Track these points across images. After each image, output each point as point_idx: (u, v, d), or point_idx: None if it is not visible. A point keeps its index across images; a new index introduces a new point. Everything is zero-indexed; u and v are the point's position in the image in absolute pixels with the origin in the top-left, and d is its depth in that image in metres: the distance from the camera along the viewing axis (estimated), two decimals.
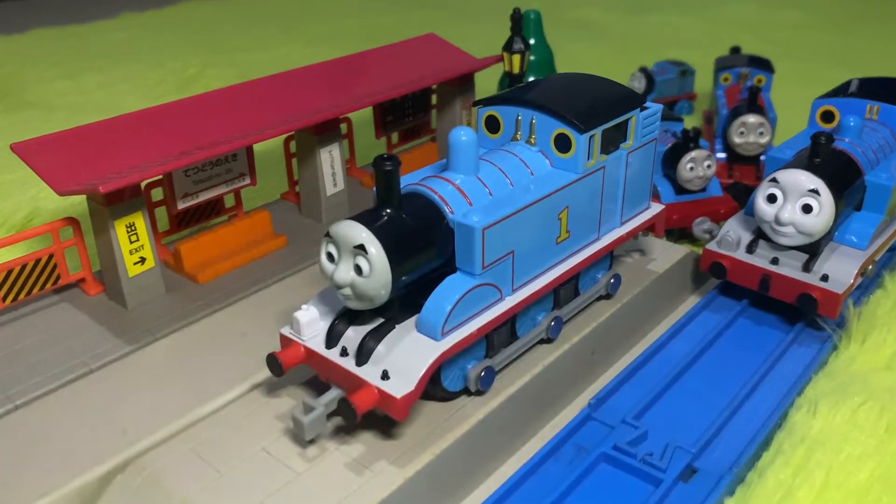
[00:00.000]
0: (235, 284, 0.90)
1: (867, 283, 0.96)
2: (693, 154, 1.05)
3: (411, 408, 0.64)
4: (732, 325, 0.90)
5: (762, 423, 0.75)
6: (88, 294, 0.87)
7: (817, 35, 2.30)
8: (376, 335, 0.66)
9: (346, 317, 0.68)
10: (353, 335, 0.67)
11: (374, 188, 0.65)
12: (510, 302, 0.70)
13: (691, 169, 1.06)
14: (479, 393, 0.71)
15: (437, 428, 0.67)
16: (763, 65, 1.41)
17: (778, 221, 0.85)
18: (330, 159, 1.02)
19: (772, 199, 0.85)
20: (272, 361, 0.67)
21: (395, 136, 1.19)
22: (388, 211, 0.65)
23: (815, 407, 0.77)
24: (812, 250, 0.87)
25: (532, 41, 1.28)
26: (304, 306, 0.69)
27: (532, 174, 0.73)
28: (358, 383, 0.64)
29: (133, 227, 0.83)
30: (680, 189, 1.09)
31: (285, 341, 0.69)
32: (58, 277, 0.83)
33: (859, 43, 2.20)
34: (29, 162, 0.77)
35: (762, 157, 1.21)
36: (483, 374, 0.70)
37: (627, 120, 0.78)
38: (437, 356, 0.64)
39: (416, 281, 0.66)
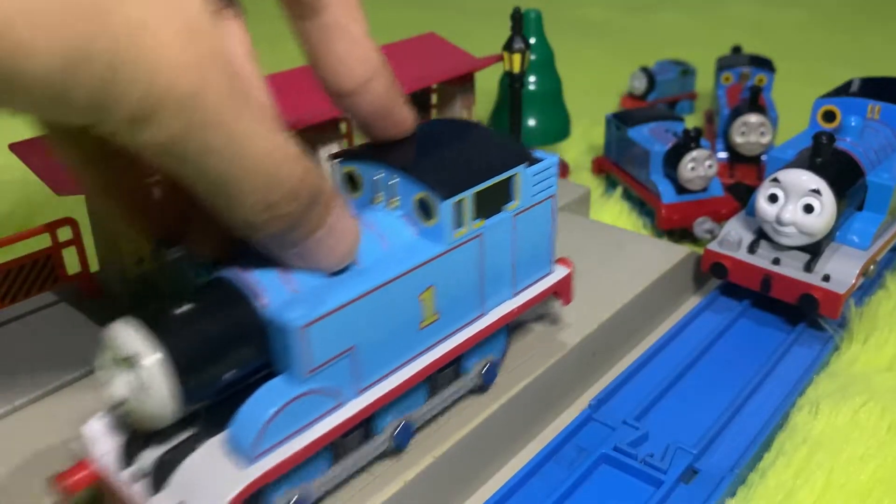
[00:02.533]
0: None
1: (869, 284, 0.96)
2: (694, 154, 1.05)
3: None
4: (734, 326, 0.90)
5: (763, 423, 0.74)
6: (87, 294, 0.86)
7: (819, 35, 2.29)
8: (175, 455, 0.54)
9: (141, 434, 0.55)
10: (150, 454, 0.55)
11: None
12: (355, 407, 0.58)
13: (692, 169, 1.05)
14: None
15: (438, 430, 0.67)
16: (764, 64, 1.41)
17: (779, 221, 0.84)
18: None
19: (773, 199, 0.85)
20: (54, 486, 0.56)
21: None
22: (181, 310, 0.53)
23: (816, 408, 0.76)
24: (813, 250, 0.86)
25: (532, 40, 1.28)
26: (97, 415, 0.57)
27: (385, 246, 0.59)
28: None
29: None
30: (681, 189, 1.09)
31: (74, 459, 0.57)
32: (57, 277, 0.83)
33: (861, 42, 2.20)
34: (28, 162, 0.77)
35: (763, 157, 1.21)
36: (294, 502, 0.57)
37: (510, 178, 0.65)
38: (247, 485, 0.52)
39: (232, 384, 0.54)
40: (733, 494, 0.68)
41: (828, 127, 0.98)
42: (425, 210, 0.61)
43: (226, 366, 0.53)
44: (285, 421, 0.54)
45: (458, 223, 0.62)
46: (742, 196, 1.11)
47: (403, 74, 1.09)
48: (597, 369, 0.83)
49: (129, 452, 0.55)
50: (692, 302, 0.97)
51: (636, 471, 0.68)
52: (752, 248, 0.90)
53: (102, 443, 0.56)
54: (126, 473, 0.55)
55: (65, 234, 0.83)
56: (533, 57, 1.29)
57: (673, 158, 1.07)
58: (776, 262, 0.88)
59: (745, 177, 1.22)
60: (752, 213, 0.92)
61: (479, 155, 0.65)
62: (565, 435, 0.72)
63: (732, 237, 0.91)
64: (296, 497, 0.57)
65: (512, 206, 0.67)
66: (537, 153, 0.69)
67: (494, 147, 0.67)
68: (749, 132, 1.19)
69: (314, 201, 0.50)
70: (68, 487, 0.56)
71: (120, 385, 0.51)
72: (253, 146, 0.45)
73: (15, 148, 0.78)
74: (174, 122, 0.40)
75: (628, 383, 0.81)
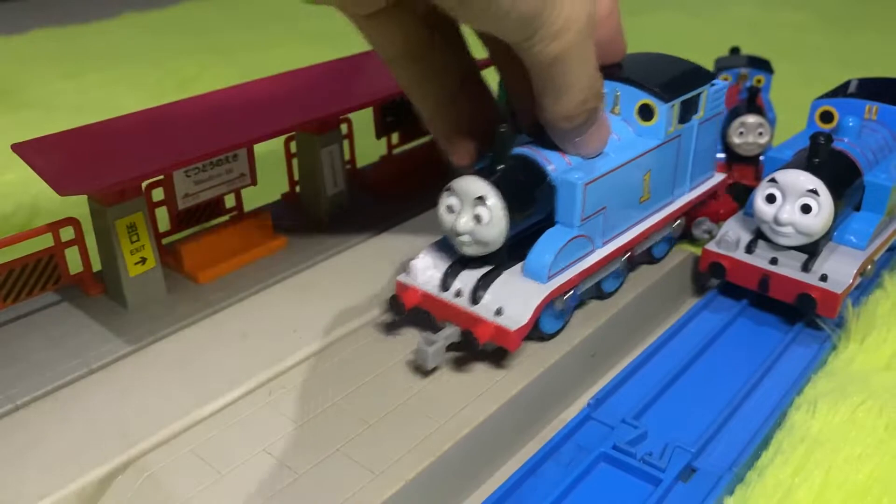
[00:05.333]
0: (236, 285, 0.90)
1: (866, 283, 0.96)
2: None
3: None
4: (732, 325, 0.90)
5: (762, 422, 0.75)
6: (89, 294, 0.87)
7: (817, 35, 2.30)
8: (488, 279, 0.74)
9: (458, 264, 0.77)
10: (465, 280, 0.75)
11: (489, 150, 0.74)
12: (601, 253, 0.80)
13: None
14: (563, 321, 0.80)
15: (438, 430, 0.68)
16: (762, 65, 1.41)
17: (777, 221, 0.85)
18: (330, 159, 1.02)
19: (771, 199, 0.85)
20: (394, 301, 0.77)
21: (395, 136, 1.19)
22: (501, 168, 0.72)
23: (814, 407, 0.77)
24: (811, 250, 0.87)
25: None
26: (420, 254, 0.78)
27: (619, 139, 0.81)
28: (474, 320, 0.72)
29: (134, 228, 0.83)
30: None
31: (402, 287, 0.78)
32: (58, 277, 0.83)
33: (858, 43, 2.21)
34: (30, 162, 0.77)
35: (761, 158, 1.21)
36: (566, 297, 0.77)
37: (700, 93, 0.86)
38: (546, 295, 0.73)
39: (517, 234, 0.74)
40: (731, 493, 0.68)
41: (825, 127, 0.99)
42: (647, 113, 0.82)
43: (529, 210, 0.74)
44: (565, 254, 0.76)
45: (669, 124, 0.83)
46: (740, 196, 1.11)
47: None
48: (596, 368, 0.83)
49: (447, 279, 0.76)
50: (691, 302, 0.97)
51: (635, 469, 0.69)
52: (749, 248, 0.90)
53: (423, 274, 0.78)
54: (449, 293, 0.75)
55: (67, 234, 0.83)
56: None
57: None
58: (774, 261, 0.88)
59: (743, 177, 1.22)
60: (750, 213, 0.92)
61: (678, 74, 0.86)
62: (564, 434, 0.73)
63: (730, 237, 0.91)
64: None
65: (698, 116, 0.88)
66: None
67: (687, 69, 0.88)
68: (747, 132, 1.19)
69: (600, 102, 0.72)
70: (405, 300, 0.77)
71: (466, 219, 0.71)
72: (591, 61, 0.67)
73: (17, 148, 0.78)
74: (572, 39, 0.62)
75: (627, 382, 0.81)
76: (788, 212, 0.84)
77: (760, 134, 1.20)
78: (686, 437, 0.72)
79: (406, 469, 0.63)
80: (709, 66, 1.54)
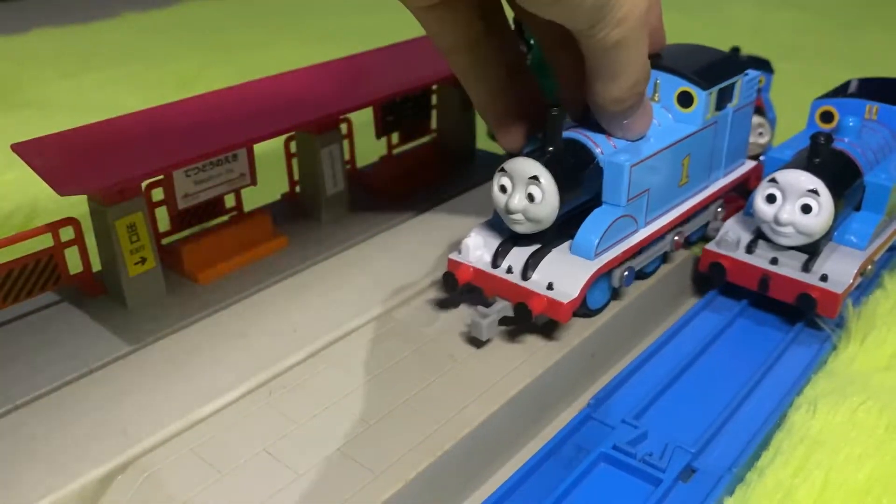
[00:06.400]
0: (235, 285, 0.90)
1: (866, 283, 0.96)
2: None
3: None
4: (732, 326, 0.90)
5: (762, 422, 0.75)
6: (88, 294, 0.87)
7: (817, 35, 2.30)
8: (538, 256, 0.78)
9: (508, 242, 0.80)
10: (515, 257, 0.79)
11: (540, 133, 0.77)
12: (644, 233, 0.83)
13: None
14: (616, 295, 0.86)
15: (439, 430, 0.68)
16: (762, 65, 1.40)
17: (777, 221, 0.85)
18: (330, 159, 1.02)
19: (771, 199, 0.85)
20: (448, 278, 0.80)
21: (395, 136, 1.19)
22: (552, 149, 0.76)
23: (814, 407, 0.77)
24: (811, 250, 0.87)
25: (532, 41, 1.28)
26: (471, 234, 0.81)
27: (659, 125, 0.84)
28: (527, 294, 0.75)
29: (133, 227, 0.83)
30: None
31: (454, 264, 0.81)
32: (58, 277, 0.83)
33: (859, 43, 2.21)
34: (29, 162, 0.77)
35: (761, 158, 1.21)
36: (626, 273, 0.82)
37: (735, 82, 0.90)
38: (595, 270, 0.76)
39: (565, 213, 0.77)
40: (732, 493, 0.68)
41: (826, 127, 0.99)
42: (686, 100, 0.86)
43: (578, 190, 0.77)
44: (612, 232, 0.79)
45: (707, 111, 0.86)
46: (740, 196, 1.11)
47: (403, 75, 1.10)
48: (596, 369, 0.83)
49: (498, 257, 0.79)
50: (691, 302, 0.97)
51: (635, 469, 0.69)
52: (750, 248, 0.90)
53: (475, 252, 0.81)
54: (500, 269, 0.79)
55: (67, 234, 0.83)
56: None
57: None
58: (774, 262, 0.88)
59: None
60: (750, 213, 0.92)
61: (715, 63, 0.89)
62: (564, 434, 0.73)
63: (730, 237, 0.91)
64: (629, 265, 0.83)
65: (733, 104, 0.91)
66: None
67: (723, 59, 0.91)
68: None
69: (647, 85, 0.75)
70: (458, 276, 0.80)
71: (520, 198, 0.74)
72: (643, 46, 0.70)
73: (17, 148, 0.78)
74: (633, 24, 0.66)
75: (627, 382, 0.81)
76: (789, 212, 0.84)
77: (761, 134, 1.20)
78: (686, 437, 0.72)
79: (406, 469, 0.63)
80: None
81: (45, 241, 0.82)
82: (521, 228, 0.77)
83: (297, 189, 1.07)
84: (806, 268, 0.86)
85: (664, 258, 0.93)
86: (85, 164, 0.80)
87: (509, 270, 0.78)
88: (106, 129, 0.85)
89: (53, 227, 0.82)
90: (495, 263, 0.79)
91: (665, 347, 0.87)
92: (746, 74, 0.92)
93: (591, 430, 0.74)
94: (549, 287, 0.76)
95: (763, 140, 1.20)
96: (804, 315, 0.89)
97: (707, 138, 0.89)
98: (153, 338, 0.81)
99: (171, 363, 0.78)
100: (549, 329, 0.80)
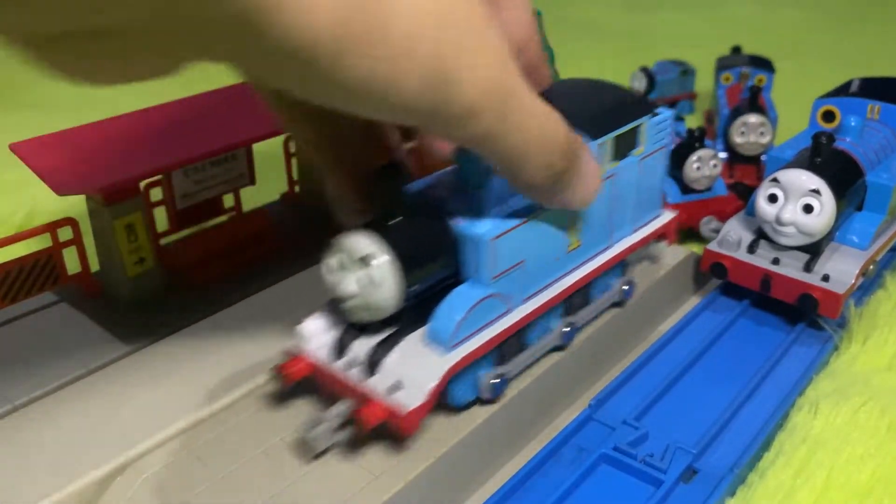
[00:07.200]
0: (235, 285, 0.89)
1: (868, 284, 0.96)
2: (700, 153, 1.05)
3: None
4: (733, 326, 0.90)
5: (763, 423, 0.74)
6: (87, 294, 0.86)
7: (818, 35, 2.29)
8: (385, 347, 0.64)
9: (354, 328, 0.66)
10: (360, 347, 0.65)
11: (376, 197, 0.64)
12: (520, 313, 0.69)
13: (698, 168, 1.06)
14: (488, 402, 0.70)
15: (439, 431, 0.67)
16: (764, 64, 1.40)
17: (779, 221, 0.84)
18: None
19: (773, 199, 0.85)
20: (277, 375, 0.67)
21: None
22: (395, 220, 0.62)
23: (816, 407, 0.76)
24: (813, 250, 0.87)
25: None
26: (309, 318, 0.67)
27: None
28: (365, 397, 0.62)
29: (132, 227, 0.83)
30: (686, 189, 1.09)
31: (288, 355, 0.68)
32: (57, 277, 0.83)
33: (861, 42, 2.20)
34: (28, 162, 0.77)
35: (763, 157, 1.21)
36: (496, 382, 0.68)
37: (638, 126, 0.76)
38: (448, 369, 0.63)
39: (424, 291, 0.64)
40: (733, 494, 0.68)
41: (827, 127, 0.98)
42: None
43: (430, 268, 0.64)
44: (473, 318, 0.65)
45: (600, 162, 0.71)
46: (742, 196, 1.11)
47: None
48: (597, 370, 0.83)
49: (341, 346, 0.65)
50: (692, 302, 0.97)
51: (636, 470, 0.69)
52: (751, 248, 0.90)
53: (315, 340, 0.67)
54: (341, 363, 0.65)
55: (65, 234, 0.83)
56: None
57: (677, 158, 1.08)
58: (776, 261, 0.88)
59: (744, 177, 1.22)
60: (751, 212, 0.92)
61: (613, 105, 0.76)
62: (565, 435, 0.72)
63: (732, 237, 0.91)
64: (500, 373, 0.69)
65: (638, 152, 0.78)
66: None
67: (624, 99, 0.77)
68: (749, 132, 1.19)
69: (575, 154, 0.60)
70: (289, 375, 0.66)
71: (351, 282, 0.60)
72: (537, 120, 0.54)
73: (16, 148, 0.78)
74: (491, 117, 0.49)
75: (628, 383, 0.81)
76: (790, 212, 0.83)
77: (762, 133, 1.20)
78: (687, 438, 0.71)
79: (406, 470, 0.63)
80: (711, 64, 1.54)
81: (44, 242, 0.82)
82: (358, 317, 0.63)
83: (297, 189, 1.07)
84: (807, 268, 0.86)
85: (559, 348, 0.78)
86: (84, 164, 0.80)
87: (351, 364, 0.64)
88: (105, 128, 0.85)
89: (52, 228, 0.82)
90: (337, 354, 0.66)
91: (666, 348, 0.86)
92: (654, 115, 0.79)
93: (591, 431, 0.74)
94: (395, 387, 0.62)
95: (764, 140, 1.20)
96: (806, 315, 0.89)
97: (603, 195, 0.72)
98: (152, 338, 0.80)
99: (170, 364, 0.77)
100: None
